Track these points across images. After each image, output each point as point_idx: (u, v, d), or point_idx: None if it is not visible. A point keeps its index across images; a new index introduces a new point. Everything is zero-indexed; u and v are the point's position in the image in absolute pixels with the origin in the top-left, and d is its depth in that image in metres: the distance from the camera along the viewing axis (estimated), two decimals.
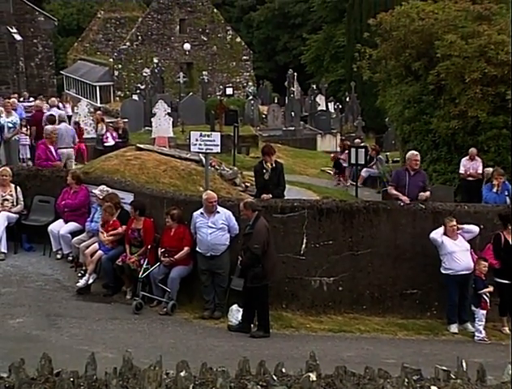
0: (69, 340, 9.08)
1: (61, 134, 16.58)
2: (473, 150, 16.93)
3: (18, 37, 40.18)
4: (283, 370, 4.58)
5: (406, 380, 4.39)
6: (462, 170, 17.01)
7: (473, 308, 10.91)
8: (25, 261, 12.49)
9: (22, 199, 12.94)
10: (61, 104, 27.09)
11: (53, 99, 23.33)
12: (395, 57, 20.12)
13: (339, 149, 26.98)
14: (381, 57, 20.74)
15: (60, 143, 16.50)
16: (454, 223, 10.92)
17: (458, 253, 10.86)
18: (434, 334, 10.92)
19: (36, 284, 11.59)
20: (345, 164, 23.56)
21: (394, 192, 11.63)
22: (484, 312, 10.81)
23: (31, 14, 42.83)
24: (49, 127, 15.87)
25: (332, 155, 26.72)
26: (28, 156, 19.07)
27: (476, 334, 10.77)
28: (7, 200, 12.82)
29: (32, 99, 27.72)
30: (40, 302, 10.74)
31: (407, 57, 19.57)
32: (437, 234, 10.93)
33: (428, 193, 11.63)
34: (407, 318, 11.25)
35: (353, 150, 21.75)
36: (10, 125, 17.74)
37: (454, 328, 10.99)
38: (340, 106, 42.17)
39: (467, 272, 10.92)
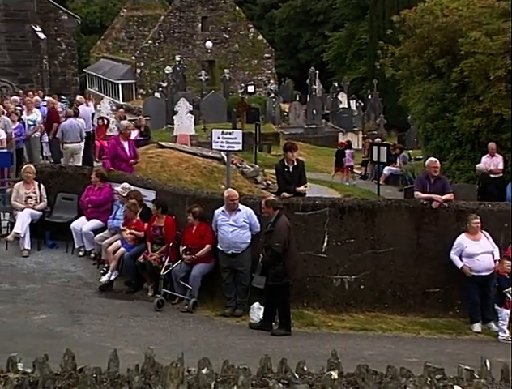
0: (91, 337, 9.10)
1: (66, 130, 17.15)
2: (492, 144, 16.76)
3: (42, 36, 40.50)
4: (305, 368, 4.54)
5: (428, 379, 4.33)
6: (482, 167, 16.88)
7: (496, 307, 10.82)
8: (48, 258, 12.58)
9: (45, 197, 13.03)
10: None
11: (80, 97, 23.42)
12: (418, 54, 20.03)
13: (361, 147, 26.97)
14: (404, 55, 20.67)
15: (66, 138, 17.11)
16: (478, 220, 10.83)
17: (479, 254, 10.78)
18: (457, 333, 10.82)
19: (59, 280, 11.68)
20: (350, 163, 23.62)
21: (424, 195, 11.46)
22: (508, 311, 10.71)
23: (54, 13, 43.15)
24: (124, 122, 15.47)
25: (340, 141, 26.74)
26: (50, 153, 19.21)
27: (500, 333, 10.67)
28: (31, 197, 12.93)
29: (46, 98, 27.88)
30: (63, 299, 10.81)
31: (431, 54, 19.47)
32: (455, 258, 10.89)
33: (448, 195, 11.44)
34: (429, 317, 11.17)
35: (375, 148, 21.71)
36: (31, 122, 17.89)
37: (477, 327, 10.90)
38: (362, 104, 42.07)
39: (488, 273, 10.84)
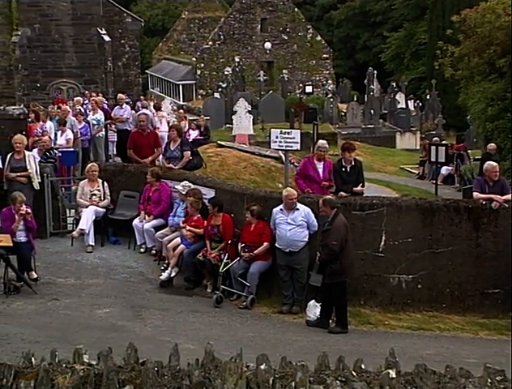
0: (152, 331, 9.24)
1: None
2: None
3: (107, 38, 41.41)
4: (362, 366, 4.51)
5: (489, 380, 4.24)
6: None
7: None
8: (111, 254, 12.85)
9: (109, 194, 13.31)
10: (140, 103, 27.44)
11: (122, 95, 23.59)
12: (479, 54, 19.77)
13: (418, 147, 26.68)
14: (464, 55, 20.42)
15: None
16: None
17: None
18: None
19: (122, 276, 11.92)
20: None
21: (482, 196, 11.35)
22: None
23: (119, 16, 43.99)
24: (322, 141, 13.45)
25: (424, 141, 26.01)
26: (115, 152, 19.65)
27: None
28: (95, 195, 13.23)
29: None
30: (125, 294, 11.03)
31: (492, 54, 19.19)
32: None
33: (508, 196, 11.28)
34: (488, 318, 11.01)
35: (433, 148, 21.49)
36: (95, 122, 18.37)
37: None
38: (420, 104, 41.57)
39: None
